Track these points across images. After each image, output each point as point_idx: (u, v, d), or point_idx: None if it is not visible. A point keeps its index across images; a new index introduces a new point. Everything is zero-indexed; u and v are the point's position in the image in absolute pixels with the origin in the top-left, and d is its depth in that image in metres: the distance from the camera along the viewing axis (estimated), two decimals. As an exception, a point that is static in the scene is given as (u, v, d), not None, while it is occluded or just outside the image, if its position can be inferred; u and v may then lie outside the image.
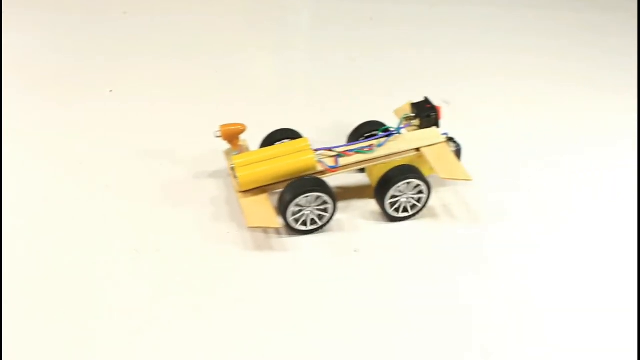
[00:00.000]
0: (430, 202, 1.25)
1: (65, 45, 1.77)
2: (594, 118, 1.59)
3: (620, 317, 1.07)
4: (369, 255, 1.16)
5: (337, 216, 1.20)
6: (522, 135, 1.50)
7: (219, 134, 1.23)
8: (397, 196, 1.20)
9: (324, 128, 1.45)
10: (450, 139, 1.29)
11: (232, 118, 1.42)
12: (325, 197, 1.16)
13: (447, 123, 1.33)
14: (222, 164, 1.32)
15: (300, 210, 1.16)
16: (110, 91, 1.58)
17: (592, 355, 1.00)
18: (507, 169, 1.39)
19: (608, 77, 1.76)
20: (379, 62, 1.77)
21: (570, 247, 1.21)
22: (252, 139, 1.27)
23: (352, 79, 1.70)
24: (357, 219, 1.23)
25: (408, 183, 1.19)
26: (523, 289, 1.10)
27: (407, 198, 1.21)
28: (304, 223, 1.18)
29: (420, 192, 1.21)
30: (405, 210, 1.22)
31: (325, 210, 1.18)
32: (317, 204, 1.16)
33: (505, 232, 1.22)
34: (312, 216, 1.17)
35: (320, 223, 1.19)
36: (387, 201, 1.20)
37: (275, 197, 1.19)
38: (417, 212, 1.23)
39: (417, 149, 1.25)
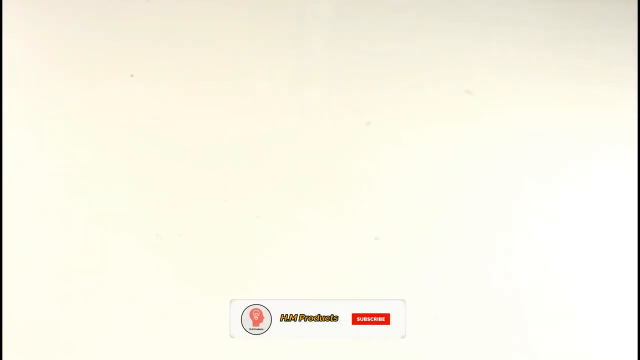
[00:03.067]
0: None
1: (87, 29, 1.79)
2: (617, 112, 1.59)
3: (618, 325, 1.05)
4: None
5: None
6: (545, 128, 1.51)
7: None
8: None
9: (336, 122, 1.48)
10: None
11: (249, 108, 1.44)
12: None
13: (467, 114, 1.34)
14: (240, 148, 1.34)
15: None
16: (132, 76, 1.60)
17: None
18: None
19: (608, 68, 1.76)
20: (400, 52, 1.77)
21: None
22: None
23: (373, 68, 1.71)
24: None
25: None
26: None
27: None
28: None
29: None
30: None
31: None
32: None
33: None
34: None
35: None
36: None
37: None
38: None
39: None
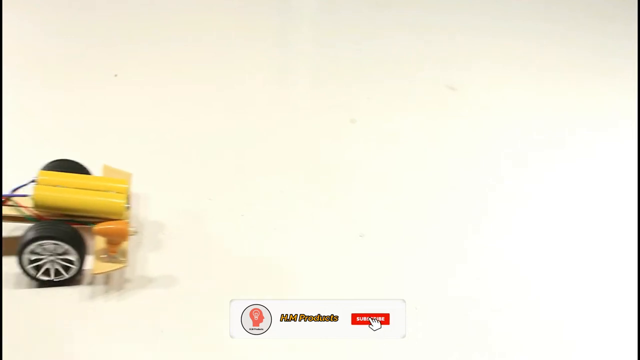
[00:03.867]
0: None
1: (70, 28, 1.78)
2: (595, 103, 1.60)
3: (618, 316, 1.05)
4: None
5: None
6: (524, 121, 1.52)
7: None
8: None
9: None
10: None
11: (234, 104, 1.44)
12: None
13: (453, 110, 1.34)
14: (223, 145, 1.35)
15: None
16: (116, 75, 1.59)
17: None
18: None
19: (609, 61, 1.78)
20: (385, 47, 1.78)
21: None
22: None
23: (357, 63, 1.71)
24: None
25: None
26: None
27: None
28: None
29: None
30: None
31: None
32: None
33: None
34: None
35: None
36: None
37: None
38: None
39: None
